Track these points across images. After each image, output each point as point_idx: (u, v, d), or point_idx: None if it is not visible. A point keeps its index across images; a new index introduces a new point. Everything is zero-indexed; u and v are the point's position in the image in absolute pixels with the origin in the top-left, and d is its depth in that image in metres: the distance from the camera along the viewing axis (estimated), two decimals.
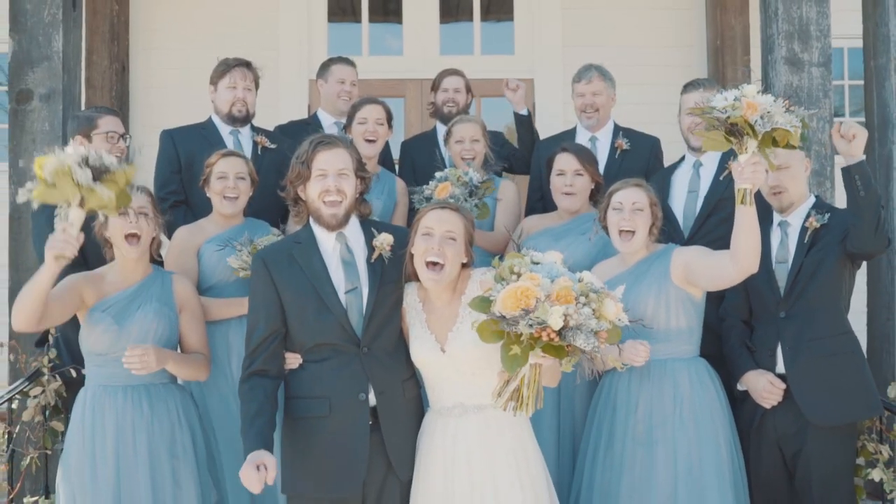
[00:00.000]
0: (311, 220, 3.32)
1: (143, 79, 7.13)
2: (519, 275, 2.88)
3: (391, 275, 3.27)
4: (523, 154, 5.16)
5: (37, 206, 3.85)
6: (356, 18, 7.47)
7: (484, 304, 2.89)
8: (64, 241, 3.17)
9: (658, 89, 6.70)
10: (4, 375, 4.46)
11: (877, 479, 3.77)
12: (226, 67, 4.74)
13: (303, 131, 4.91)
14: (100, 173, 3.17)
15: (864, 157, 3.75)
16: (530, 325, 2.79)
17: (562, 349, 2.82)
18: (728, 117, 3.13)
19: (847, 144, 3.71)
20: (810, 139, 4.58)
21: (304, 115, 6.77)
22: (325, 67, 5.30)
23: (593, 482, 3.59)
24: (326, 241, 3.29)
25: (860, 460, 3.84)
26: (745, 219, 3.28)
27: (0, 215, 4.83)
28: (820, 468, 3.70)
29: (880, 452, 3.77)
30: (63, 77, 4.76)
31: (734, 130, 3.16)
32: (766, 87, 4.77)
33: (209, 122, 4.84)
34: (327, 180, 3.23)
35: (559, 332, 2.79)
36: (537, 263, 2.93)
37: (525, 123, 5.20)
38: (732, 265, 3.38)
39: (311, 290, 3.21)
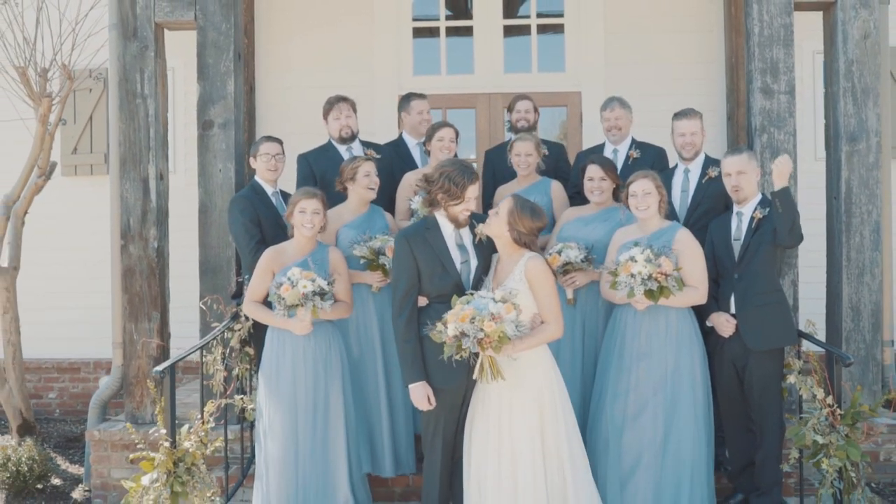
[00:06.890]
0: (438, 214, 4.70)
1: (263, 97, 8.49)
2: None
3: (487, 251, 4.75)
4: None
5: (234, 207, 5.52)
6: (434, 34, 8.59)
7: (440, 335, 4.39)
8: (305, 326, 4.96)
9: (685, 98, 7.57)
10: (196, 320, 6.02)
11: (792, 382, 5.16)
12: (330, 105, 5.97)
13: (391, 149, 6.32)
14: (317, 294, 4.87)
15: (787, 184, 4.96)
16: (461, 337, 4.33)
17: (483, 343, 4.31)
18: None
19: (776, 174, 4.99)
20: (770, 157, 5.81)
21: (395, 124, 7.79)
22: (406, 101, 6.33)
23: (606, 386, 5.10)
24: (447, 228, 4.70)
25: (787, 371, 5.21)
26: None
27: (193, 209, 6.18)
28: (758, 377, 5.12)
29: (795, 364, 5.19)
30: (234, 111, 6.14)
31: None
32: (747, 110, 6.05)
33: (329, 144, 6.02)
34: (471, 203, 4.67)
35: (457, 337, 4.31)
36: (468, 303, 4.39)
37: None
38: (691, 297, 5.00)
39: (437, 262, 4.62)
